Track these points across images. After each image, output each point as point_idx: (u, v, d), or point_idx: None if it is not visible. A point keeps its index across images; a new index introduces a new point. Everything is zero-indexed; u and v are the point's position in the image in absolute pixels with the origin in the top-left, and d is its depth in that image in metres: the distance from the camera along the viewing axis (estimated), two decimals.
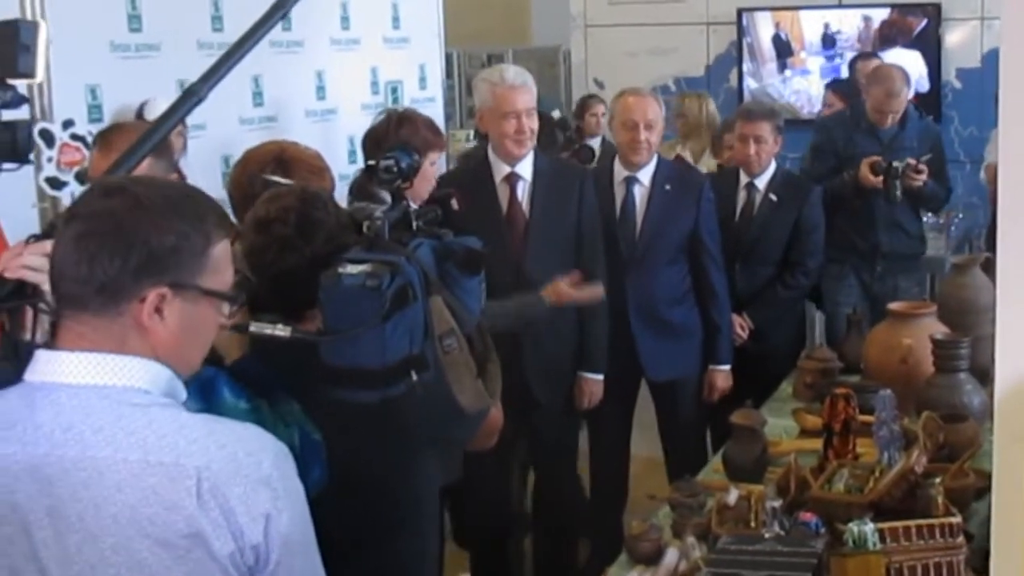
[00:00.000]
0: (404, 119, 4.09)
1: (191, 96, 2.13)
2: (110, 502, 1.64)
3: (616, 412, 4.71)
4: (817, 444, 3.58)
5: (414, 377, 2.26)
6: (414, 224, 2.48)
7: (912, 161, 5.25)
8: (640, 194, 4.65)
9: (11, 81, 2.16)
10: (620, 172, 4.67)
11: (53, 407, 1.68)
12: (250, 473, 1.67)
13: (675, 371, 4.73)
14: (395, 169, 2.57)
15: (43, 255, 1.86)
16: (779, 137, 5.11)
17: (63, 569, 1.65)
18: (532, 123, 4.25)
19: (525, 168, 4.31)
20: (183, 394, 1.78)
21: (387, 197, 3.73)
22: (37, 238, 1.94)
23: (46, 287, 1.86)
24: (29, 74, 2.16)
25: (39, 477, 1.66)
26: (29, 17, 4.14)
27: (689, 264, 4.69)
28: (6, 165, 2.20)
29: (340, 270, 2.25)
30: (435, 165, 4.11)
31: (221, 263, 1.78)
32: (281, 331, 2.16)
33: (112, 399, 1.68)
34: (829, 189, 5.26)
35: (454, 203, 2.67)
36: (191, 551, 1.63)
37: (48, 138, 3.99)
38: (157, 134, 2.12)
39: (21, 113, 2.21)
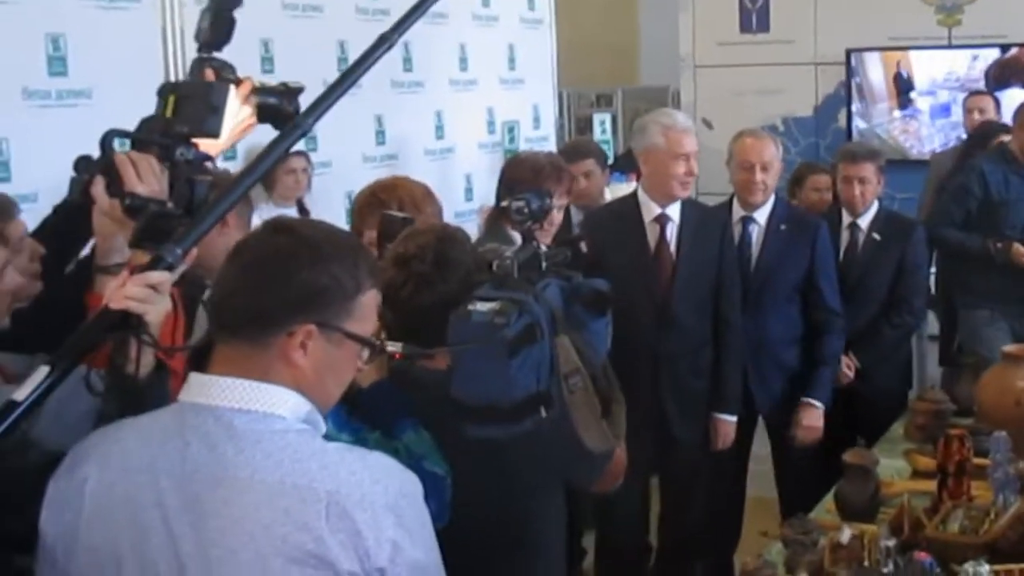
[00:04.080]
0: (517, 160, 4.19)
1: (296, 129, 2.16)
2: (247, 520, 1.73)
3: (734, 450, 4.73)
4: (930, 485, 3.59)
5: (543, 413, 2.27)
6: (543, 265, 2.51)
7: None
8: (756, 234, 4.72)
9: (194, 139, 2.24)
10: (737, 211, 4.75)
11: (202, 427, 1.79)
12: (376, 500, 1.75)
13: (790, 411, 4.74)
14: (526, 210, 2.62)
15: (146, 286, 1.93)
16: (882, 177, 5.14)
17: None
18: (694, 167, 4.36)
19: (674, 210, 4.41)
20: (323, 426, 1.88)
21: (516, 237, 3.87)
22: (141, 269, 1.98)
23: (150, 318, 1.94)
24: (214, 134, 2.22)
25: (187, 493, 1.77)
26: (171, 59, 4.36)
27: (802, 305, 4.73)
28: None
29: (470, 307, 2.27)
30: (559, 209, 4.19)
31: (367, 311, 1.89)
32: (393, 346, 2.19)
33: (254, 424, 1.78)
34: (971, 249, 5.20)
35: (583, 246, 2.71)
36: (319, 569, 1.72)
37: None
38: (263, 164, 2.16)
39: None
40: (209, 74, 2.28)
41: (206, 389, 1.82)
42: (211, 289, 1.87)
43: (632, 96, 10.41)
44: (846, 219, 5.12)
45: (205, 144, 2.27)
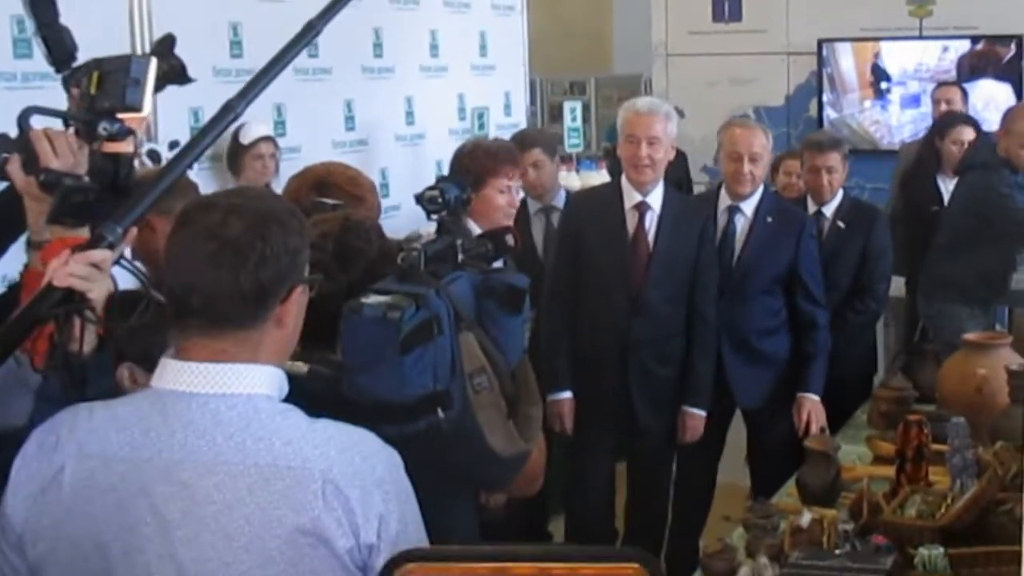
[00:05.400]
0: (470, 147, 4.20)
1: (228, 112, 2.16)
2: (243, 504, 1.74)
3: (708, 441, 4.74)
4: (890, 471, 3.62)
5: (440, 414, 2.18)
6: (459, 257, 2.42)
7: None
8: (741, 224, 4.70)
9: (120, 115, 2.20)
10: (724, 200, 4.74)
11: (185, 415, 1.79)
12: (366, 476, 1.78)
13: (767, 399, 4.75)
14: (439, 200, 2.55)
15: (88, 264, 1.93)
16: (847, 165, 5.19)
17: (198, 566, 1.76)
18: (654, 152, 4.35)
19: (655, 199, 4.45)
20: (286, 387, 1.89)
21: (475, 227, 3.87)
22: (82, 248, 1.97)
23: (93, 296, 1.94)
24: (136, 108, 2.19)
25: (175, 480, 1.76)
26: (138, 42, 4.36)
27: (786, 298, 4.72)
28: None
29: (363, 300, 2.19)
30: (505, 193, 4.20)
31: (308, 252, 1.93)
32: (299, 368, 2.09)
33: (239, 408, 1.79)
34: None
35: (510, 239, 2.60)
36: (316, 548, 1.74)
37: (156, 158, 4.19)
38: (199, 147, 2.16)
39: (127, 147, 2.22)
40: (75, 92, 2.25)
41: (184, 376, 1.82)
42: (183, 288, 1.81)
43: (605, 84, 10.45)
44: (811, 207, 5.16)
45: None
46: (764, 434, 4.85)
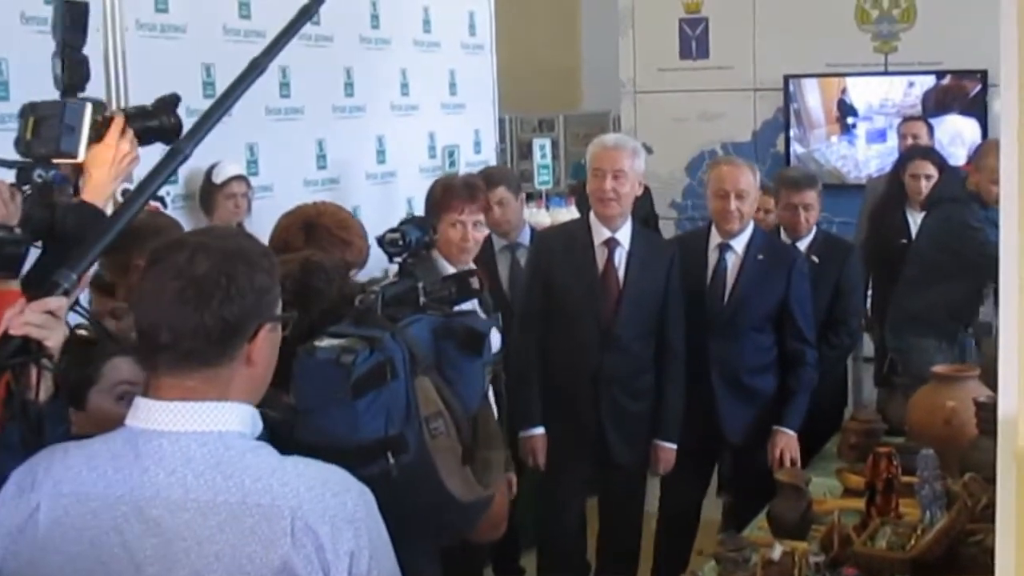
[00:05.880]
0: (436, 183, 4.23)
1: (177, 154, 2.15)
2: (213, 541, 1.75)
3: (693, 478, 4.77)
4: (860, 503, 3.64)
5: (390, 459, 2.15)
6: (420, 300, 2.41)
7: None
8: (732, 261, 4.71)
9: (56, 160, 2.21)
10: (715, 238, 4.76)
11: (156, 453, 1.79)
12: (337, 513, 1.78)
13: (755, 436, 4.71)
14: (400, 242, 2.54)
15: (44, 312, 1.93)
16: (821, 201, 5.25)
17: None
18: (619, 185, 4.38)
19: (624, 235, 4.48)
20: (260, 424, 1.90)
21: (447, 267, 3.88)
22: (38, 295, 1.96)
23: (49, 344, 1.94)
24: (72, 155, 2.20)
25: (146, 518, 1.77)
26: (113, 83, 4.38)
27: (776, 335, 4.74)
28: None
29: (317, 343, 2.17)
30: (457, 227, 4.21)
31: (279, 289, 1.94)
32: None
33: (210, 445, 1.80)
34: None
35: (475, 282, 2.59)
36: None
37: None
38: (148, 190, 2.14)
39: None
40: None
41: (155, 415, 1.83)
42: (151, 326, 1.82)
43: (574, 121, 10.54)
44: (786, 242, 5.20)
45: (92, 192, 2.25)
46: (744, 468, 4.86)
